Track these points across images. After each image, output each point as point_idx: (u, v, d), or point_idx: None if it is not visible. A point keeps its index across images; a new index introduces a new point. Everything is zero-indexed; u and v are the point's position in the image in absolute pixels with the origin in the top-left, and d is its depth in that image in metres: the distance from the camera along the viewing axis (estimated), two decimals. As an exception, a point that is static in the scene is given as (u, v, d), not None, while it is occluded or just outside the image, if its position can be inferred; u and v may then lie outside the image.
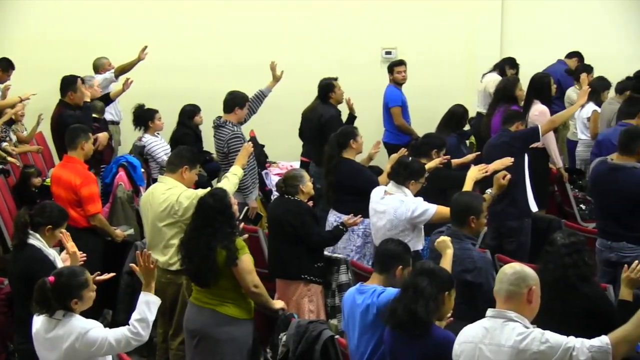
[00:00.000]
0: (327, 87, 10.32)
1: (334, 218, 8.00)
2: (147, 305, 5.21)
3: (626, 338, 4.41)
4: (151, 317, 5.21)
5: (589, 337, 4.40)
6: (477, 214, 6.22)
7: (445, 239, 5.98)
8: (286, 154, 11.36)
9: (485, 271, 6.06)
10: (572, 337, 4.38)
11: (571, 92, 10.97)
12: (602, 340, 4.37)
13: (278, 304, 6.50)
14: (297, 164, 10.65)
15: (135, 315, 5.19)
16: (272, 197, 9.98)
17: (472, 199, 6.36)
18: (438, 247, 5.96)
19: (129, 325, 5.17)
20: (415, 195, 7.22)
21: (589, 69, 11.47)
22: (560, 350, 4.31)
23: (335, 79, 10.35)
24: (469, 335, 4.55)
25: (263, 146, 11.20)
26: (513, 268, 4.55)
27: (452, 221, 6.34)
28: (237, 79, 10.79)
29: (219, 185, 7.25)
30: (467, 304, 5.67)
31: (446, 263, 5.79)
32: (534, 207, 8.49)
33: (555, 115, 8.96)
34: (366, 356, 5.42)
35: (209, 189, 6.95)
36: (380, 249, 5.83)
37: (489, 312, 4.53)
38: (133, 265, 5.42)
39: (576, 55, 12.07)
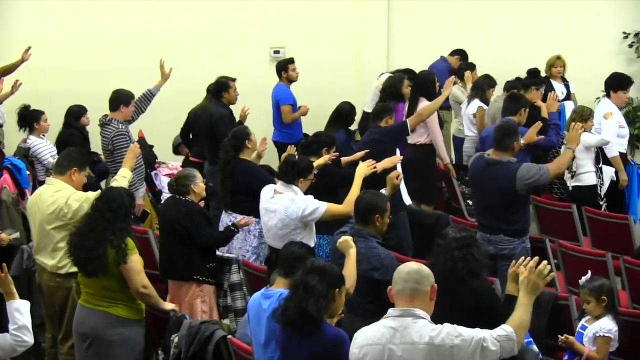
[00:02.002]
0: (222, 86, 10.21)
1: (229, 219, 7.96)
2: (18, 311, 5.13)
3: (522, 324, 4.59)
4: (27, 320, 5.13)
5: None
6: (382, 212, 6.27)
7: (347, 238, 5.99)
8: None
9: (392, 268, 6.08)
10: (478, 329, 4.46)
11: (455, 90, 11.19)
12: (506, 329, 4.51)
13: (169, 305, 6.49)
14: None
15: (12, 326, 5.11)
16: (162, 198, 9.91)
17: (376, 198, 6.40)
18: (340, 247, 5.98)
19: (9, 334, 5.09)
20: (306, 193, 7.26)
21: (472, 67, 11.74)
22: (473, 342, 4.39)
23: (233, 80, 10.26)
24: (372, 337, 4.48)
25: (152, 146, 11.10)
26: (411, 267, 4.56)
27: (356, 220, 6.37)
28: (125, 79, 10.64)
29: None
30: (374, 303, 5.71)
31: (350, 262, 5.82)
32: (407, 200, 8.67)
33: (422, 107, 9.15)
34: (274, 362, 5.37)
35: (98, 191, 6.87)
36: (283, 252, 5.83)
37: (393, 311, 4.50)
38: None
39: (458, 53, 12.31)
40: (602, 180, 9.34)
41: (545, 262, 4.70)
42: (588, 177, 9.27)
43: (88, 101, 10.46)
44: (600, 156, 9.39)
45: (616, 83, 9.72)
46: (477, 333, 4.43)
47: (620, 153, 9.55)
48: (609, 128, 9.37)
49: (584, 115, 9.26)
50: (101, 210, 6.16)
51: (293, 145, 8.61)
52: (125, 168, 7.60)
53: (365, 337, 4.52)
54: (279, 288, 5.52)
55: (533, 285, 4.66)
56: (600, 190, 9.33)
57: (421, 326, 4.40)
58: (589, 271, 6.34)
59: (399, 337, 4.41)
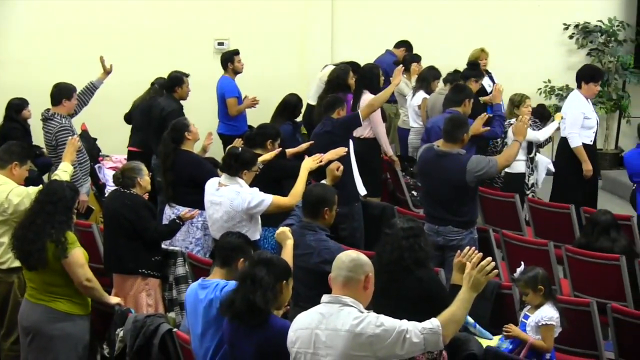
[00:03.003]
0: (176, 81, 10.13)
1: (171, 211, 7.92)
2: None
3: (453, 319, 4.61)
4: None
5: (423, 320, 4.53)
6: (331, 205, 6.28)
7: (284, 229, 6.01)
8: (119, 146, 11.17)
9: None
10: (405, 321, 4.49)
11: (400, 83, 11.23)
12: (433, 323, 4.53)
13: (114, 299, 6.43)
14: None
15: None
16: (106, 191, 9.83)
17: (325, 191, 6.39)
18: (278, 238, 6.00)
19: None
20: (251, 185, 7.25)
21: (417, 59, 11.79)
22: (395, 333, 4.41)
23: (187, 75, 10.19)
24: (305, 321, 4.58)
25: (95, 139, 11.00)
26: (349, 255, 4.61)
27: (305, 213, 6.36)
28: (68, 71, 10.56)
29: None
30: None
31: (287, 253, 5.84)
32: (362, 191, 8.69)
33: (372, 98, 9.14)
34: (211, 352, 5.35)
35: (40, 186, 6.79)
36: (220, 242, 5.81)
37: (325, 298, 4.56)
38: None
39: (404, 45, 12.35)
40: (532, 170, 9.60)
41: (489, 258, 4.71)
42: (518, 165, 9.52)
43: (29, 94, 10.34)
44: (534, 146, 9.72)
45: (588, 75, 9.79)
46: (402, 324, 4.46)
47: (587, 144, 9.65)
48: (549, 129, 9.68)
49: (514, 102, 9.79)
50: (42, 202, 6.11)
51: (240, 139, 8.58)
52: (66, 162, 7.54)
53: (299, 321, 4.61)
54: (216, 278, 5.50)
55: (474, 281, 4.67)
56: (528, 180, 9.65)
57: (346, 314, 4.45)
58: (522, 263, 6.41)
59: (325, 323, 4.48)
